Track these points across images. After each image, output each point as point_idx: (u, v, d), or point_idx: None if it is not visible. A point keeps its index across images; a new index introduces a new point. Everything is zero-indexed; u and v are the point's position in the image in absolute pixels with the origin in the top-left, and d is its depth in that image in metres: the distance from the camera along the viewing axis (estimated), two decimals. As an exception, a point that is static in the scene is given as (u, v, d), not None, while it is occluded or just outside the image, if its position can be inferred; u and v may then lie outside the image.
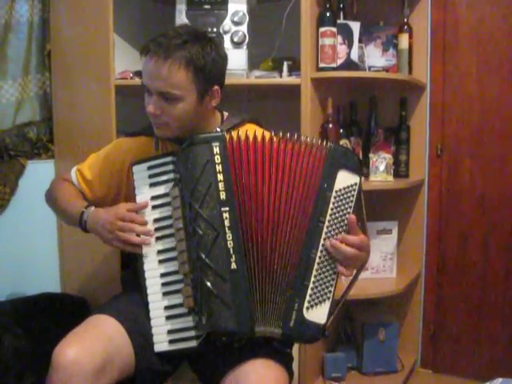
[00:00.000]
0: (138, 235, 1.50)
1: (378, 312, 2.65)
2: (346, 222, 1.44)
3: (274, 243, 1.43)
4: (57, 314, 2.21)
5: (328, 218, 1.43)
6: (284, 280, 1.42)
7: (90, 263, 2.36)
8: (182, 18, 2.21)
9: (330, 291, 1.43)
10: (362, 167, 1.50)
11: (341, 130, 2.39)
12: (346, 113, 2.60)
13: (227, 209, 1.41)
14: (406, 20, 2.53)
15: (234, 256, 1.40)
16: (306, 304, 1.41)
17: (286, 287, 1.42)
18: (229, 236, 1.40)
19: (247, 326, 1.39)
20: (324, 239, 1.43)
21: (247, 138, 1.46)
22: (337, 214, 1.44)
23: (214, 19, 2.21)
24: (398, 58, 2.53)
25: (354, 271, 1.51)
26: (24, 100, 2.43)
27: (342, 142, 2.35)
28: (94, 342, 1.38)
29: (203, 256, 1.38)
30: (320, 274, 1.42)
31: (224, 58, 1.57)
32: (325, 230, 1.43)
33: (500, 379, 1.58)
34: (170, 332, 1.46)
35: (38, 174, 2.42)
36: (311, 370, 2.36)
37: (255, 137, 1.46)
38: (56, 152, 2.47)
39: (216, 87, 1.55)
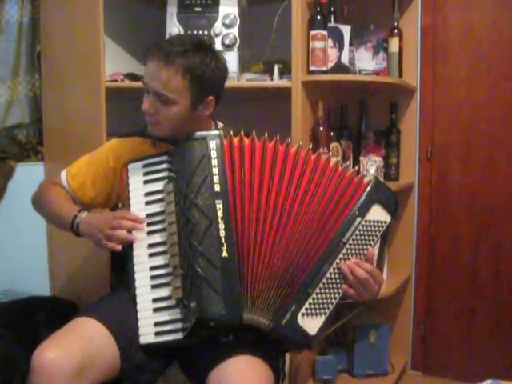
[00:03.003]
0: (130, 232, 1.52)
1: (369, 314, 2.65)
2: (364, 252, 1.47)
3: (278, 240, 1.46)
4: (46, 317, 2.19)
5: (350, 241, 1.46)
6: (284, 276, 1.45)
7: (79, 266, 2.34)
8: (173, 20, 2.21)
9: (328, 308, 1.45)
10: (397, 210, 1.53)
11: (331, 133, 2.39)
12: (337, 116, 2.61)
13: (220, 201, 1.46)
14: (396, 24, 2.54)
15: (225, 244, 1.43)
16: (302, 310, 1.42)
17: (285, 284, 1.45)
18: (221, 225, 1.44)
19: (235, 312, 1.41)
20: (340, 259, 1.45)
21: (253, 138, 1.52)
22: (359, 242, 1.47)
23: (205, 22, 2.21)
24: (389, 61, 2.54)
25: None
26: (13, 102, 2.42)
27: (333, 145, 2.35)
28: (73, 343, 1.39)
29: (195, 243, 1.42)
30: (325, 289, 1.44)
31: (223, 71, 1.62)
32: (343, 251, 1.45)
33: (490, 381, 1.58)
34: (156, 324, 1.47)
35: (28, 176, 2.40)
36: (302, 373, 2.35)
37: (265, 139, 1.52)
38: (45, 154, 2.45)
39: (211, 98, 1.60)
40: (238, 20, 2.21)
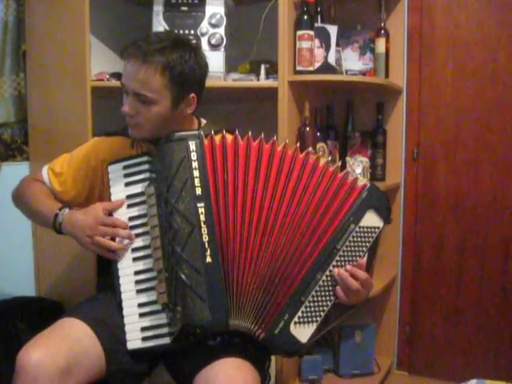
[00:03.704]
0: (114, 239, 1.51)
1: (355, 314, 2.65)
2: (357, 259, 1.44)
3: (265, 243, 1.43)
4: (31, 317, 2.18)
5: (344, 248, 1.43)
6: (272, 281, 1.42)
7: (65, 267, 2.33)
8: (159, 19, 2.20)
9: (320, 315, 1.42)
10: (390, 215, 1.50)
11: (318, 134, 2.39)
12: (323, 116, 2.62)
13: (202, 204, 1.42)
14: (382, 24, 2.55)
15: (208, 250, 1.40)
16: (295, 318, 1.41)
17: (274, 290, 1.42)
18: (204, 230, 1.41)
19: (221, 319, 1.39)
20: (333, 266, 1.43)
21: (236, 137, 1.48)
22: (352, 249, 1.44)
23: (191, 21, 2.20)
24: (375, 61, 2.55)
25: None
26: (-2, 101, 2.40)
27: (319, 145, 2.35)
28: (59, 343, 1.38)
29: (178, 250, 1.39)
30: (318, 297, 1.42)
31: (203, 67, 1.58)
32: (337, 258, 1.43)
33: (474, 380, 1.59)
34: (143, 329, 1.46)
35: (13, 176, 2.35)
36: (288, 372, 2.35)
37: (248, 138, 1.48)
38: (31, 154, 2.44)
39: (192, 95, 1.56)
40: (225, 20, 2.20)
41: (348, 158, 2.49)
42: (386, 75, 2.56)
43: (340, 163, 1.58)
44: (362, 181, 1.50)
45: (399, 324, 2.84)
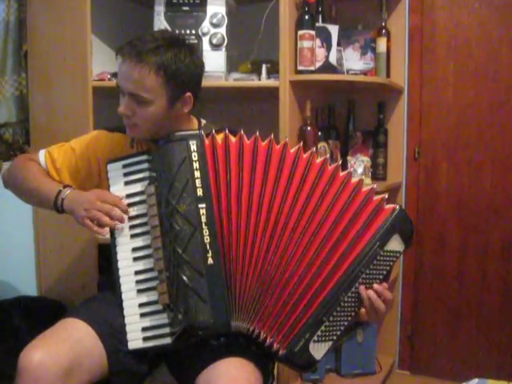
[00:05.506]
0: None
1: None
2: (377, 281, 1.41)
3: (273, 248, 1.41)
4: (33, 317, 2.18)
5: (367, 271, 1.40)
6: (283, 289, 1.40)
7: (67, 266, 2.33)
8: (160, 19, 2.20)
9: (336, 334, 1.41)
10: (412, 240, 1.47)
11: (319, 133, 2.39)
12: (325, 116, 2.62)
13: (204, 205, 1.41)
14: (383, 24, 2.55)
15: (210, 251, 1.39)
16: (315, 337, 1.39)
17: (287, 299, 1.40)
18: (205, 231, 1.40)
19: (223, 320, 1.39)
20: (355, 288, 1.40)
21: (241, 137, 1.46)
22: (373, 271, 1.41)
23: (192, 21, 2.20)
24: (376, 61, 2.54)
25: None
26: (0, 101, 2.40)
27: (321, 144, 2.35)
28: (61, 344, 1.38)
29: (180, 251, 1.38)
30: (337, 317, 1.40)
31: (199, 66, 1.56)
32: (360, 280, 1.40)
33: (476, 380, 1.59)
34: (144, 329, 1.46)
35: (14, 175, 2.38)
36: (289, 372, 2.35)
37: (256, 137, 1.46)
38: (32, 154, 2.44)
39: (188, 94, 1.54)
40: (226, 19, 2.20)
41: (349, 158, 2.49)
42: (387, 75, 2.56)
43: (363, 177, 1.51)
44: (393, 204, 1.46)
45: (401, 323, 2.84)
